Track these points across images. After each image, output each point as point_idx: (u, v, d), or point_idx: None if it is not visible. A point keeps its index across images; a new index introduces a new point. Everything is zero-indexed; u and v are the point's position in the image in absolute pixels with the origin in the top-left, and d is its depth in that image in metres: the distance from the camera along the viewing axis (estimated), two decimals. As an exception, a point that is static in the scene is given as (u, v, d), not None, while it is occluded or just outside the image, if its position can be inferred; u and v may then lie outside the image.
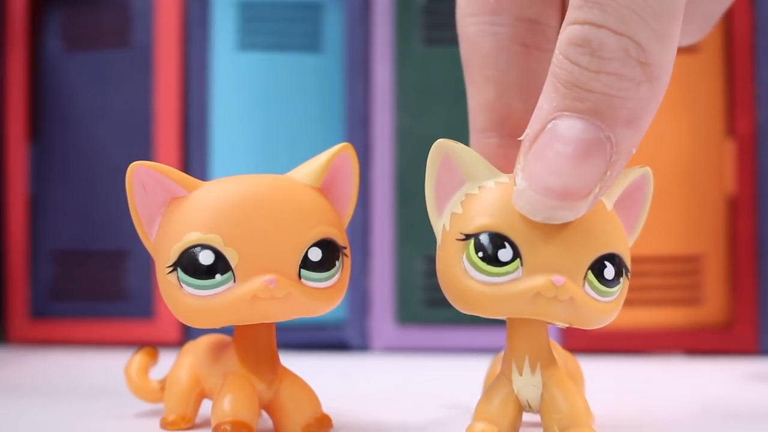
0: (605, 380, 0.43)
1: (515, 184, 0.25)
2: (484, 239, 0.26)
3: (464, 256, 0.26)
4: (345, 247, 0.29)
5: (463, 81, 0.54)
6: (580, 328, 0.26)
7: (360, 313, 0.55)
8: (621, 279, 0.26)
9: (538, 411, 0.27)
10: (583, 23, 0.24)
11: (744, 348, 0.52)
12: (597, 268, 0.26)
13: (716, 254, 0.54)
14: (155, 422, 0.32)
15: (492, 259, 0.25)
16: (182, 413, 0.31)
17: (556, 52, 0.25)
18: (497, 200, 0.26)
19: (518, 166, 0.25)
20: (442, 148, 0.27)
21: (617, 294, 0.26)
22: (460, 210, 0.26)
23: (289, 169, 0.29)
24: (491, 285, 0.25)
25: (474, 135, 0.31)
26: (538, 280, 0.25)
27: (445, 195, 0.27)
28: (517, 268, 0.25)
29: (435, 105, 0.55)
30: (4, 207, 0.59)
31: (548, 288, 0.25)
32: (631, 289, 0.53)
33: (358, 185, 0.30)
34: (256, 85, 0.56)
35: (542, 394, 0.27)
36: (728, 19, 0.53)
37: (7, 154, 0.59)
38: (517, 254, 0.25)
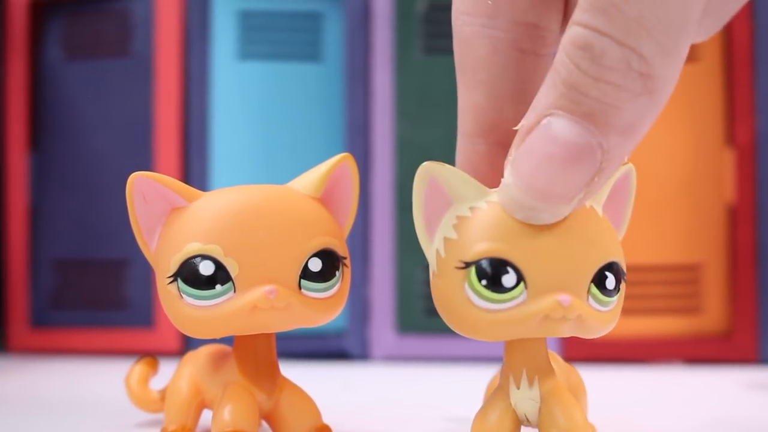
0: (605, 390, 0.43)
1: (503, 177, 0.25)
2: (486, 266, 0.25)
3: (466, 284, 0.25)
4: (345, 258, 0.29)
5: (462, 90, 0.55)
6: (583, 338, 0.26)
7: (360, 322, 0.55)
8: (620, 286, 0.26)
9: (537, 425, 0.27)
10: (587, 27, 0.24)
11: (744, 357, 0.52)
12: (599, 279, 0.25)
13: (716, 263, 0.54)
14: (155, 432, 0.32)
15: (496, 286, 0.25)
16: (182, 423, 0.31)
17: (560, 47, 0.24)
18: (493, 222, 0.25)
19: (509, 158, 0.25)
20: (428, 171, 0.26)
21: (617, 300, 0.26)
22: (454, 235, 0.26)
23: (290, 178, 0.29)
24: (497, 312, 0.25)
25: (461, 138, 0.30)
26: (545, 302, 0.25)
27: (435, 218, 0.26)
28: (522, 291, 0.25)
29: (435, 114, 0.55)
30: (5, 216, 0.59)
31: (556, 310, 0.25)
32: (631, 297, 0.54)
33: (358, 195, 0.30)
34: (256, 95, 0.57)
35: (540, 409, 0.27)
36: (728, 28, 0.53)
37: (7, 163, 0.59)
38: (520, 278, 0.25)
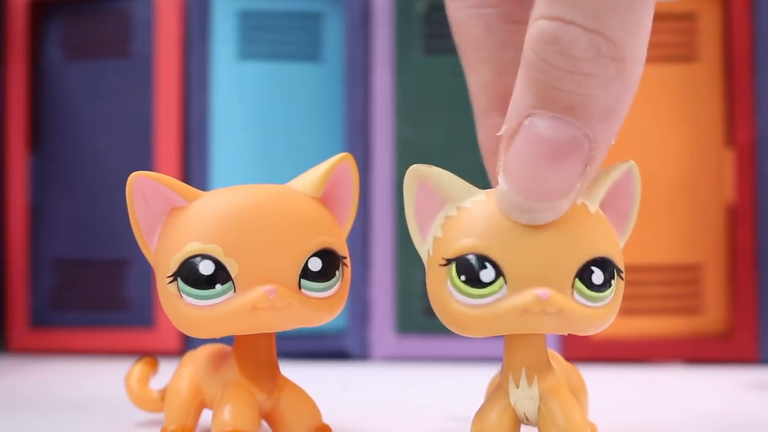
0: (605, 390, 0.43)
1: (498, 185, 0.25)
2: (465, 262, 0.25)
3: (448, 281, 0.26)
4: (345, 257, 0.29)
5: (462, 90, 0.54)
6: (576, 334, 0.26)
7: (360, 322, 0.55)
8: (612, 282, 0.26)
9: (536, 424, 0.27)
10: (552, 19, 0.24)
11: (744, 357, 0.52)
12: (584, 274, 0.25)
13: (716, 263, 0.54)
14: (155, 432, 0.32)
15: (475, 281, 0.25)
16: (182, 423, 0.31)
17: (527, 46, 0.24)
18: (475, 220, 0.26)
19: (500, 164, 0.25)
20: (416, 173, 0.27)
21: (611, 297, 0.26)
22: (440, 234, 0.26)
23: (290, 178, 0.29)
24: (477, 307, 0.25)
25: (479, 119, 0.31)
26: (524, 297, 0.25)
27: (427, 219, 0.27)
28: (501, 286, 0.25)
29: (435, 114, 0.55)
30: (5, 216, 0.59)
31: (534, 304, 0.25)
32: (631, 298, 0.54)
33: (358, 195, 0.30)
34: (256, 95, 0.57)
35: (539, 407, 0.27)
36: (728, 28, 0.53)
37: (7, 163, 0.59)
38: (499, 273, 0.25)
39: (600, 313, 0.26)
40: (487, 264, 0.25)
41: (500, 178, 0.25)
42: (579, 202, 0.26)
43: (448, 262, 0.26)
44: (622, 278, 0.26)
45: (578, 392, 0.30)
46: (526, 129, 0.24)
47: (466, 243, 0.26)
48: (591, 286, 0.25)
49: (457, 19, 0.30)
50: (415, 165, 0.27)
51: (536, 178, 0.24)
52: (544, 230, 0.25)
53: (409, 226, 0.27)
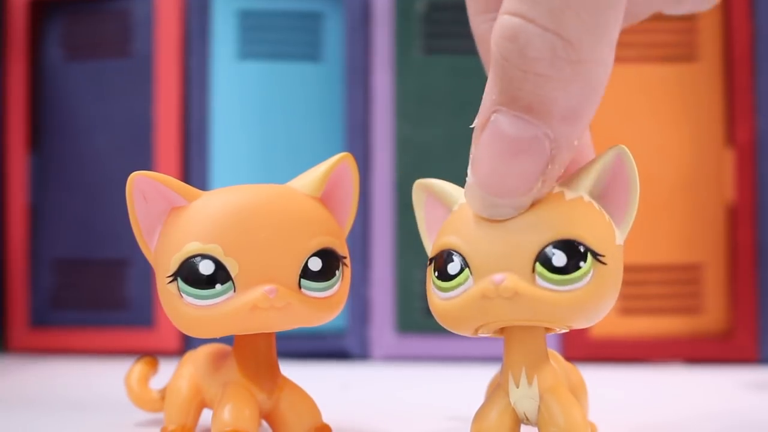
0: (605, 389, 0.43)
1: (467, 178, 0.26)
2: (437, 258, 0.26)
3: (431, 280, 0.26)
4: (345, 257, 0.29)
5: (462, 89, 0.55)
6: (564, 324, 0.26)
7: (360, 322, 0.55)
8: (582, 264, 0.25)
9: (536, 424, 0.27)
10: (514, 14, 0.23)
11: (744, 356, 0.52)
12: (544, 257, 0.25)
13: (716, 263, 0.54)
14: (155, 432, 0.32)
15: (444, 275, 0.26)
16: (182, 423, 0.31)
17: (492, 41, 0.24)
18: (453, 219, 0.26)
19: (471, 156, 0.25)
20: (422, 187, 0.28)
21: (586, 280, 0.25)
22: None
23: (290, 178, 0.29)
24: (449, 299, 0.26)
25: None
26: (482, 283, 0.25)
27: (437, 229, 0.27)
28: (467, 278, 0.25)
29: (435, 114, 0.55)
30: (5, 216, 0.59)
31: (489, 289, 0.25)
32: (631, 297, 0.54)
33: (358, 195, 0.30)
34: (256, 95, 0.57)
35: (539, 407, 0.27)
36: (727, 28, 0.53)
37: (7, 163, 0.59)
38: (465, 265, 0.25)
39: (570, 298, 0.25)
40: (454, 257, 0.26)
41: (468, 171, 0.25)
42: (556, 190, 0.26)
43: (430, 262, 0.26)
44: (601, 262, 0.25)
45: (578, 392, 0.30)
46: (492, 125, 0.24)
47: (440, 241, 0.26)
48: (553, 268, 0.25)
49: (480, 32, 0.30)
50: (419, 180, 0.28)
51: (497, 174, 0.25)
52: (508, 219, 0.25)
53: (422, 237, 0.28)
